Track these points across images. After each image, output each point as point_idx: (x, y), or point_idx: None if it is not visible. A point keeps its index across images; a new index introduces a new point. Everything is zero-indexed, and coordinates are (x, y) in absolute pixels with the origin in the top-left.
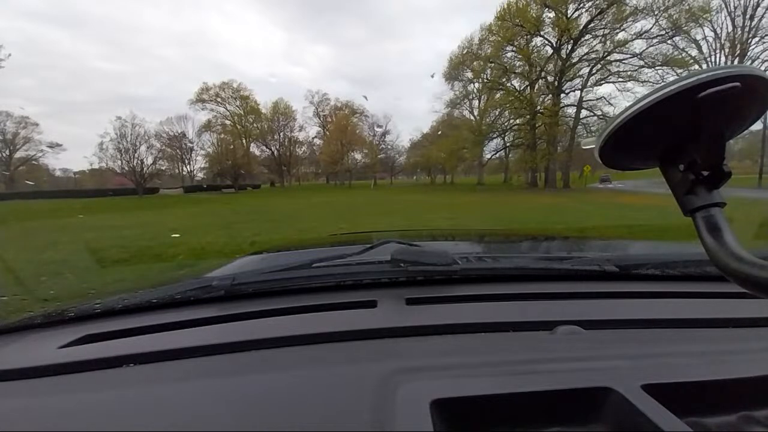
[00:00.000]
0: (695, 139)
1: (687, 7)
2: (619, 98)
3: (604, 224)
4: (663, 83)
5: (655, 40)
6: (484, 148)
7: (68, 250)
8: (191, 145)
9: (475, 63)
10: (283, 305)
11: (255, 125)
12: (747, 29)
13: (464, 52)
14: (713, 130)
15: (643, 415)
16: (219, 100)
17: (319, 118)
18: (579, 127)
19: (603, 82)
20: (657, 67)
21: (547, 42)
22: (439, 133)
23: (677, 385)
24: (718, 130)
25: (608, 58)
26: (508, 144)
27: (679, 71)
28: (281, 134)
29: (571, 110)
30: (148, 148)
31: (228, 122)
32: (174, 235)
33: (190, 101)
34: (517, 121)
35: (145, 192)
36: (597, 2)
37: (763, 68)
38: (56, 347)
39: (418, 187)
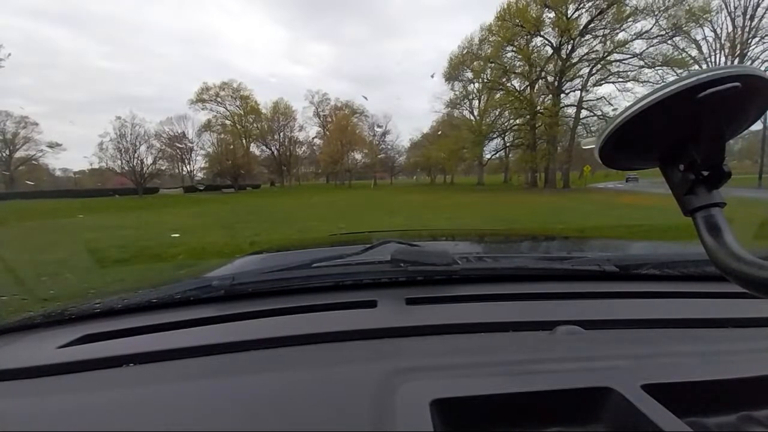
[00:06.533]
0: (695, 139)
1: (687, 8)
2: (619, 98)
3: (604, 224)
4: (663, 83)
5: (655, 41)
6: (484, 148)
7: (68, 250)
8: (191, 145)
9: (475, 63)
10: (283, 305)
11: (255, 125)
12: (747, 29)
13: (464, 53)
14: (713, 130)
15: (643, 415)
16: (219, 100)
17: (319, 118)
18: (579, 127)
19: (603, 82)
20: (657, 68)
21: (547, 42)
22: (439, 133)
23: (677, 385)
24: (718, 130)
25: (608, 58)
26: (508, 144)
27: (679, 71)
28: (281, 134)
29: (571, 110)
30: (148, 148)
31: (228, 122)
32: (174, 235)
33: (190, 101)
34: (517, 121)
35: (145, 192)
36: (597, 2)
37: (763, 68)
38: (56, 347)
39: (418, 187)
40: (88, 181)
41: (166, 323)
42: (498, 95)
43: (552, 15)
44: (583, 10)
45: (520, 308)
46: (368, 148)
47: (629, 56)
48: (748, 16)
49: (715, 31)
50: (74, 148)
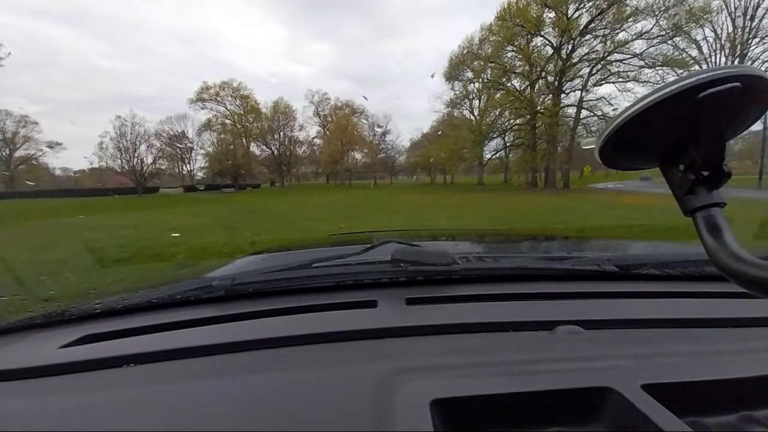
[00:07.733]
0: (695, 139)
1: (687, 8)
2: (619, 98)
3: (604, 224)
4: (663, 83)
5: (655, 41)
6: (484, 148)
7: (68, 250)
8: (191, 144)
9: (475, 63)
10: (283, 305)
11: (255, 125)
12: (747, 30)
13: (464, 52)
14: (713, 130)
15: (643, 415)
16: (219, 99)
17: (320, 118)
18: (579, 127)
19: (603, 82)
20: (657, 68)
21: (547, 42)
22: (440, 133)
23: (677, 385)
24: (718, 130)
25: (608, 58)
26: (508, 144)
27: (679, 71)
28: (281, 134)
29: (572, 110)
30: (148, 147)
31: (228, 122)
32: (174, 235)
33: (190, 100)
34: (517, 121)
35: (145, 191)
36: (597, 2)
37: (763, 68)
38: (56, 347)
39: (419, 187)
40: (88, 181)
41: (166, 323)
42: (498, 95)
43: (552, 15)
44: (584, 10)
45: (520, 308)
46: (368, 148)
47: (629, 56)
48: (748, 17)
49: (715, 31)
50: (74, 147)
